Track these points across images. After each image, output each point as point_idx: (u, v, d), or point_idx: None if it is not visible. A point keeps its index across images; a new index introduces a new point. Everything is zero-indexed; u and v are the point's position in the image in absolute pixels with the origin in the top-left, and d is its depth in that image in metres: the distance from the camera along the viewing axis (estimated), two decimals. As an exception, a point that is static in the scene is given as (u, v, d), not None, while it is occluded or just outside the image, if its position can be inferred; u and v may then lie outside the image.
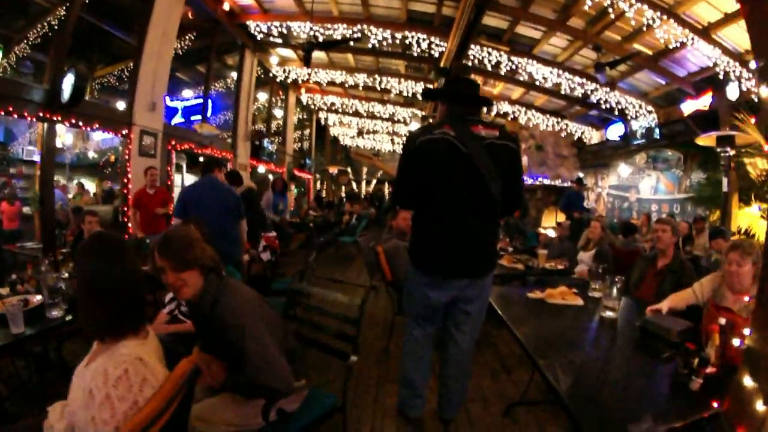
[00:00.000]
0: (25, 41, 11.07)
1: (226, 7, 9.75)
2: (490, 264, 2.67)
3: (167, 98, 13.81)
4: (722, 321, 2.06)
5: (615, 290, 2.67)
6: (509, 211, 2.75)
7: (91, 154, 15.08)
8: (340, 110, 17.69)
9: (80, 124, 7.14)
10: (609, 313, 2.65)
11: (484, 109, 11.72)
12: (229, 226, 4.41)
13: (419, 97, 12.59)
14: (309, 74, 13.48)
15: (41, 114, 6.50)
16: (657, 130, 10.71)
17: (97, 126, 7.39)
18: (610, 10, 7.06)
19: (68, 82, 6.48)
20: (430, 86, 11.22)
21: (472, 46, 9.01)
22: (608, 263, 5.10)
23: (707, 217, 9.15)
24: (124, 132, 7.81)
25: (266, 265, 5.51)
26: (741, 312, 2.46)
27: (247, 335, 1.92)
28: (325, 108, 17.93)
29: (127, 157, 7.92)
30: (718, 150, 6.57)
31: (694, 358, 1.89)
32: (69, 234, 7.84)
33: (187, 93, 15.53)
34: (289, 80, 14.22)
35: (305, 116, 19.45)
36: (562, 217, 11.62)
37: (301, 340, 2.71)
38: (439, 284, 2.58)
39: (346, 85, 13.66)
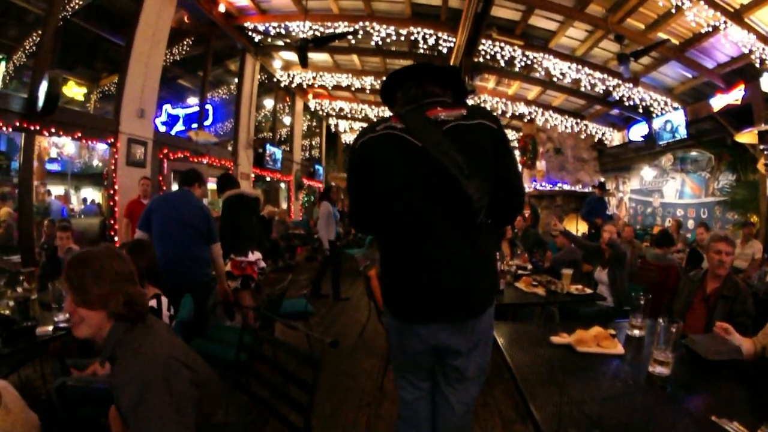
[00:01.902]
0: (22, 50, 10.79)
1: (222, 8, 9.28)
2: (480, 299, 1.84)
3: (169, 106, 13.47)
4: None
5: (664, 336, 1.95)
6: (507, 216, 1.99)
7: (96, 163, 14.72)
8: (349, 116, 17.14)
9: (60, 133, 6.68)
10: (660, 369, 1.93)
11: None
12: (193, 246, 3.83)
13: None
14: (314, 78, 12.94)
15: (18, 123, 6.06)
16: (684, 129, 9.92)
17: (80, 135, 6.92)
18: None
19: (42, 90, 6.05)
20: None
21: (483, 40, 8.43)
22: (622, 269, 4.42)
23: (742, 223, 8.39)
24: (110, 140, 7.32)
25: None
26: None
27: (141, 409, 1.39)
28: (334, 114, 17.45)
29: (113, 166, 7.45)
30: (761, 147, 5.87)
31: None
32: (51, 249, 7.38)
33: (192, 100, 15.12)
34: (293, 85, 13.69)
35: (315, 123, 18.97)
36: (584, 226, 10.92)
37: (256, 402, 2.11)
38: (410, 329, 1.87)
39: (353, 89, 13.11)
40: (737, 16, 6.59)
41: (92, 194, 15.23)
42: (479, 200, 1.71)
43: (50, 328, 2.72)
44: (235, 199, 5.14)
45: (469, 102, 1.99)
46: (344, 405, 3.55)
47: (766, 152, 5.93)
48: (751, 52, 7.02)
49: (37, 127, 6.30)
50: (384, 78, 2.01)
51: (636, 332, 2.53)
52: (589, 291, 4.15)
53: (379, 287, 4.11)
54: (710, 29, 6.94)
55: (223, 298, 4.18)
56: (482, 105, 11.29)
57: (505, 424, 3.27)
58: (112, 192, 7.42)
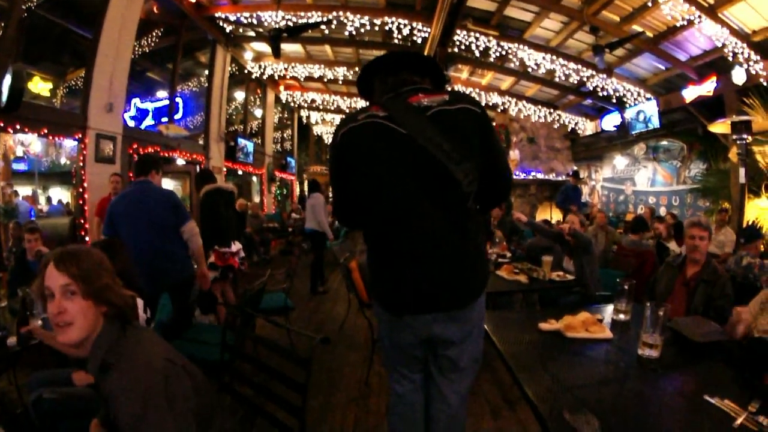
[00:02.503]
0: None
1: (192, -2, 9.03)
2: (472, 288, 1.82)
3: (138, 100, 13.16)
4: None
5: (652, 319, 1.95)
6: (495, 201, 1.97)
7: (63, 161, 14.30)
8: (321, 107, 16.94)
9: (26, 129, 6.46)
10: (649, 352, 1.94)
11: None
12: (167, 242, 3.60)
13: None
14: (285, 69, 12.75)
15: (-23, 121, 5.82)
16: (656, 119, 10.07)
17: (46, 131, 6.69)
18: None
19: (5, 84, 5.77)
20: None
21: (458, 31, 8.40)
22: (590, 256, 4.41)
23: (714, 210, 8.57)
24: (78, 136, 7.10)
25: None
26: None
27: (143, 424, 1.27)
28: (306, 105, 17.29)
29: (82, 163, 7.20)
30: (734, 137, 5.98)
31: None
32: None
33: (161, 94, 14.79)
34: (265, 76, 13.48)
35: (286, 115, 18.76)
36: (558, 214, 11.04)
37: (242, 403, 2.06)
38: (402, 322, 1.84)
39: (326, 80, 12.99)
40: (711, 11, 6.67)
41: (61, 193, 14.85)
42: (468, 185, 1.69)
43: (22, 337, 2.56)
44: (214, 193, 5.11)
45: None
46: (331, 401, 3.51)
47: (738, 142, 6.03)
48: (723, 45, 7.11)
49: (1, 124, 6.07)
50: (358, 69, 1.97)
51: (621, 317, 2.54)
52: (570, 277, 4.17)
53: (360, 279, 4.09)
54: (685, 23, 7.01)
55: (201, 289, 3.99)
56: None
57: (494, 410, 3.28)
58: (81, 190, 7.18)
